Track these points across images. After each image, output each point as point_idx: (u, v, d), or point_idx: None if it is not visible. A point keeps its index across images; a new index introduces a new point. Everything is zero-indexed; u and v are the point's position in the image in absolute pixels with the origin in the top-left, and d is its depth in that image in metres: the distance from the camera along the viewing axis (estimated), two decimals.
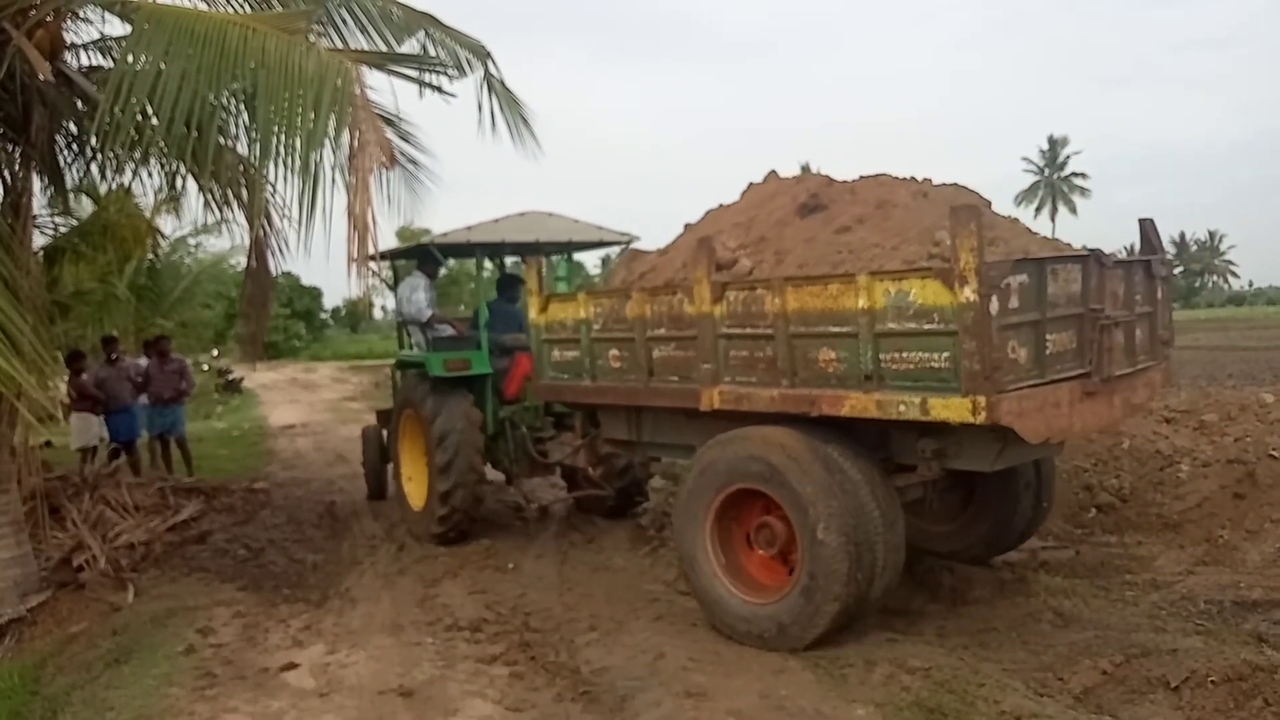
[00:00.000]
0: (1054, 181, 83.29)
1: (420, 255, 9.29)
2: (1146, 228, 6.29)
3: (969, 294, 4.62)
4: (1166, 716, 4.30)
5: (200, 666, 5.52)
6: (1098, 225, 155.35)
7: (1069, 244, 5.96)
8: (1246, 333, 40.91)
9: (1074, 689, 4.62)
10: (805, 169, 69.28)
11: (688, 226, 7.12)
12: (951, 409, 4.75)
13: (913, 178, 6.44)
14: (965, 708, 4.38)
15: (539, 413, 8.62)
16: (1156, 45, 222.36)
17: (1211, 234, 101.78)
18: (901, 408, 4.98)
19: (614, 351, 6.72)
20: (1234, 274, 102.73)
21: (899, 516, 5.45)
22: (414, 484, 8.89)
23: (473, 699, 4.88)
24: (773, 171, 6.99)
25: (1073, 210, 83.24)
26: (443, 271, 11.68)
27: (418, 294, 9.04)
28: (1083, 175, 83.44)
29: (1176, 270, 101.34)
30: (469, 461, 8.16)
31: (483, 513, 8.64)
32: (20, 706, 5.59)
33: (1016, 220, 6.32)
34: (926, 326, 4.89)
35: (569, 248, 9.81)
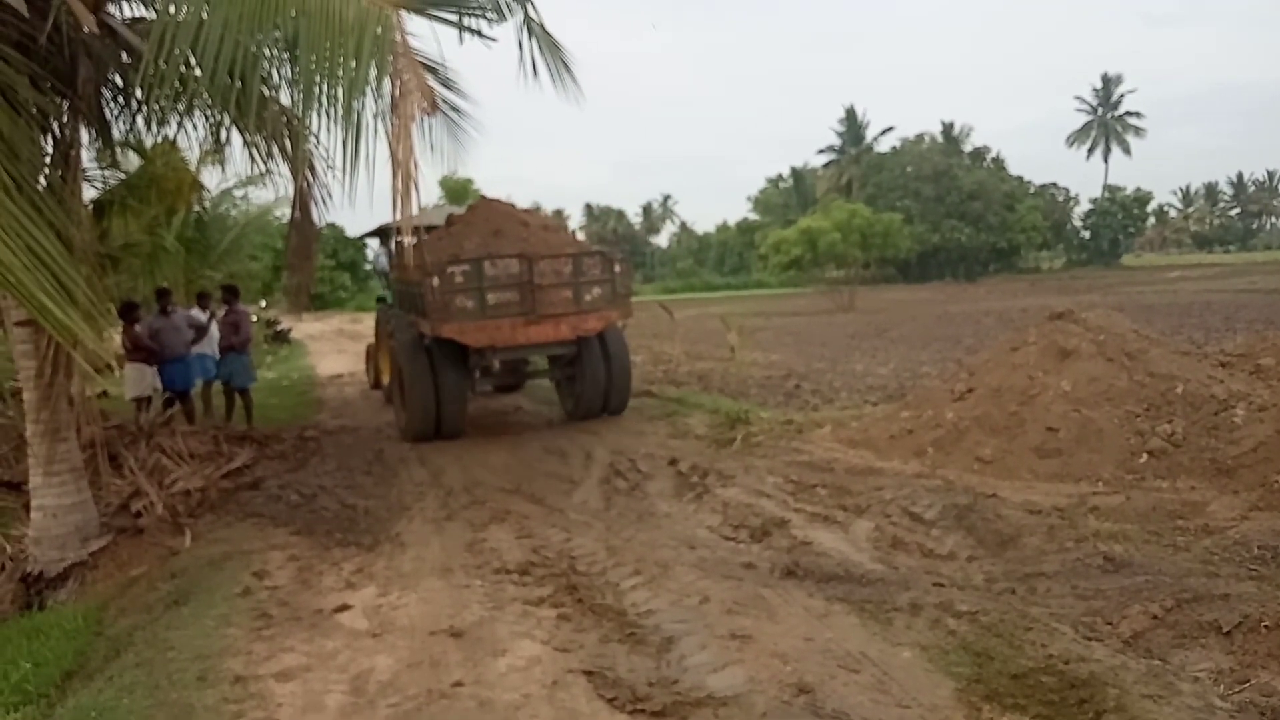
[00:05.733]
0: (1107, 121, 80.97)
1: (379, 234, 15.53)
2: (615, 242, 11.85)
3: (422, 276, 10.19)
4: (1218, 661, 4.25)
5: (256, 608, 5.66)
6: (1152, 165, 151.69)
7: (587, 242, 15.40)
8: None
9: (1123, 633, 4.58)
10: (850, 111, 67.77)
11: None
12: (427, 328, 10.44)
13: (514, 206, 12.63)
14: (1012, 651, 4.37)
15: None
16: None
17: (1270, 174, 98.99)
18: (426, 327, 10.48)
19: (401, 289, 12.97)
20: None
21: (460, 387, 11.10)
22: (384, 371, 14.53)
23: (521, 639, 4.96)
24: (481, 196, 12.40)
25: (1126, 150, 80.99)
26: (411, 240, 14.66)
27: (379, 258, 15.98)
28: (1137, 114, 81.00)
29: (1233, 212, 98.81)
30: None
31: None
32: (85, 646, 5.78)
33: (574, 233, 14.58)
34: (424, 291, 10.28)
35: None
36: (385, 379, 14.21)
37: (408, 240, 11.49)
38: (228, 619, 5.48)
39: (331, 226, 44.17)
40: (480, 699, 4.29)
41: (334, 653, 4.97)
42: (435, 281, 10.01)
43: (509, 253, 10.55)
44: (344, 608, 5.62)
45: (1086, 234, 78.50)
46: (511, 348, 10.77)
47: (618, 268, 11.01)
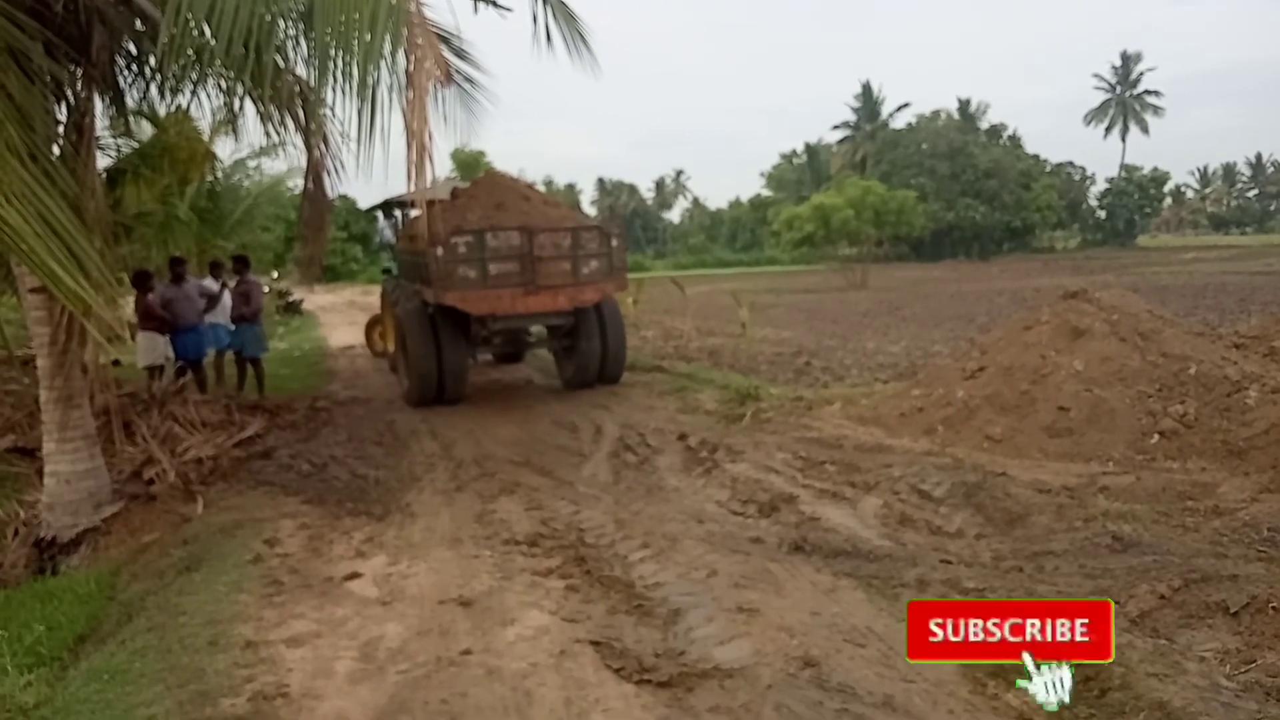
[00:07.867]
0: (1125, 99, 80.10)
1: (384, 207, 15.79)
2: (611, 217, 13.38)
3: (427, 247, 10.52)
4: (1224, 641, 4.26)
5: (267, 575, 5.71)
6: (1170, 145, 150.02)
7: (587, 215, 15.26)
8: None
9: (1130, 613, 4.58)
10: (866, 87, 67.50)
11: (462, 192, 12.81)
12: (430, 296, 10.90)
13: (517, 180, 13.54)
14: None
15: None
16: None
17: None
18: (430, 296, 10.93)
19: (406, 260, 13.38)
20: None
21: (462, 354, 11.66)
22: (387, 338, 15.16)
23: (529, 609, 4.99)
24: (488, 170, 12.64)
25: (1144, 129, 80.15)
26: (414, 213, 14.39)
27: (385, 231, 16.95)
28: (1156, 93, 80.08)
29: (1251, 193, 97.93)
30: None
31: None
32: (98, 611, 5.84)
33: (575, 210, 14.98)
34: (428, 261, 10.65)
35: None
36: (391, 347, 14.44)
37: (415, 212, 12.02)
38: (239, 585, 5.53)
39: (344, 198, 44.03)
40: (488, 667, 4.33)
41: (344, 620, 5.01)
42: (439, 251, 10.42)
43: (510, 225, 10.90)
44: (354, 576, 5.67)
45: (1102, 214, 77.94)
46: (511, 316, 11.25)
47: (614, 242, 11.49)
